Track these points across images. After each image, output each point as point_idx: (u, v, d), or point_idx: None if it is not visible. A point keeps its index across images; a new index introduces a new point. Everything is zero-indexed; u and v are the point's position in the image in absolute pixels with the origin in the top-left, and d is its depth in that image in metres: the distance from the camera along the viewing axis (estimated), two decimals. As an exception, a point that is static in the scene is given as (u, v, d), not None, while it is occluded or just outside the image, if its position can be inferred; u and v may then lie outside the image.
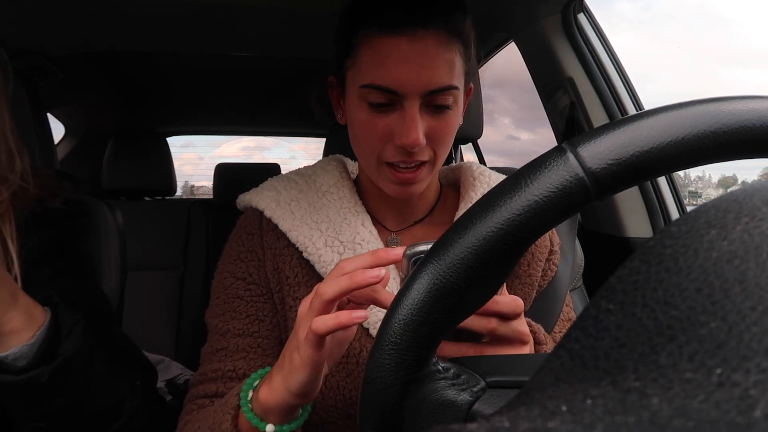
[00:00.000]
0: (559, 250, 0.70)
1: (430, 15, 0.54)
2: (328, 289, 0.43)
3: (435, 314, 0.28)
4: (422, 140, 0.55)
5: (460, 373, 0.32)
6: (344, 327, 0.42)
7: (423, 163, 0.59)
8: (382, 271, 0.42)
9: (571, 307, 0.72)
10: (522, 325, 0.48)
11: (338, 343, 0.49)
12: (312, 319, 0.43)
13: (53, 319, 0.54)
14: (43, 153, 1.00)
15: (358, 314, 0.41)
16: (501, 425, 0.13)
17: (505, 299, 0.46)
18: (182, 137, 2.75)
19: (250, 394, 0.51)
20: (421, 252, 0.42)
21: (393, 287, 0.60)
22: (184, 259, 1.74)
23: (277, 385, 0.47)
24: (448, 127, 0.58)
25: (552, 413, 0.14)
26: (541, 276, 0.68)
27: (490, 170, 0.72)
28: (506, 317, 0.46)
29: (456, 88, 0.56)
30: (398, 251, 0.43)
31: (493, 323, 0.46)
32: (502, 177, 0.69)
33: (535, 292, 0.67)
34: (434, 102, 0.56)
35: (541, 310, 0.68)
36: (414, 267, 0.41)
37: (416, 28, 0.53)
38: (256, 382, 0.51)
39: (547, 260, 0.68)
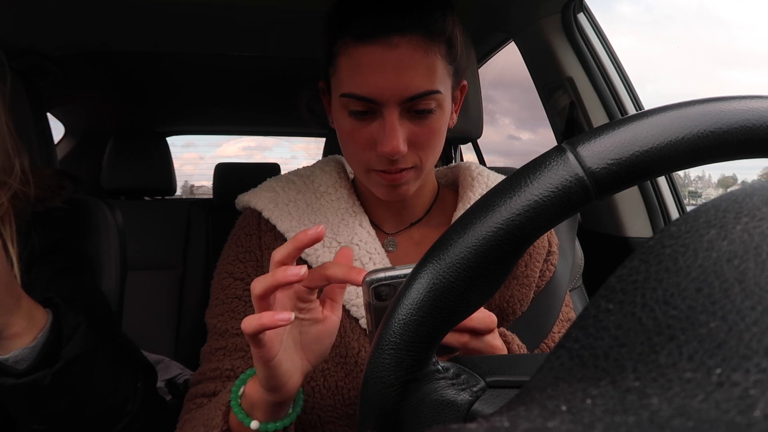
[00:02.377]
0: (558, 251, 0.70)
1: (405, 20, 0.53)
2: (256, 285, 0.42)
3: (435, 314, 0.28)
4: (402, 147, 0.55)
5: (459, 373, 0.32)
6: (268, 328, 0.41)
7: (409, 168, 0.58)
8: (301, 270, 0.41)
9: (570, 307, 0.72)
10: (495, 339, 0.49)
11: (315, 338, 0.48)
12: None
13: (55, 322, 0.54)
14: (43, 153, 1.00)
15: (281, 316, 0.40)
16: (501, 425, 0.13)
17: (479, 315, 0.48)
18: (184, 137, 2.76)
19: (242, 390, 0.51)
20: (379, 279, 0.42)
21: (361, 308, 0.61)
22: (184, 258, 1.74)
23: (257, 380, 0.48)
24: (432, 131, 0.57)
25: (552, 413, 0.14)
26: (539, 276, 0.68)
27: (489, 170, 0.71)
28: (479, 333, 0.48)
29: (437, 92, 0.55)
30: (315, 230, 0.42)
31: (465, 338, 0.48)
32: (500, 177, 0.69)
33: (532, 292, 0.67)
34: (415, 107, 0.55)
35: (539, 310, 0.68)
36: (374, 294, 0.42)
37: (390, 35, 0.53)
38: (249, 379, 0.51)
39: (545, 261, 0.68)
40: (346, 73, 0.55)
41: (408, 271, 0.39)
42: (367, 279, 0.43)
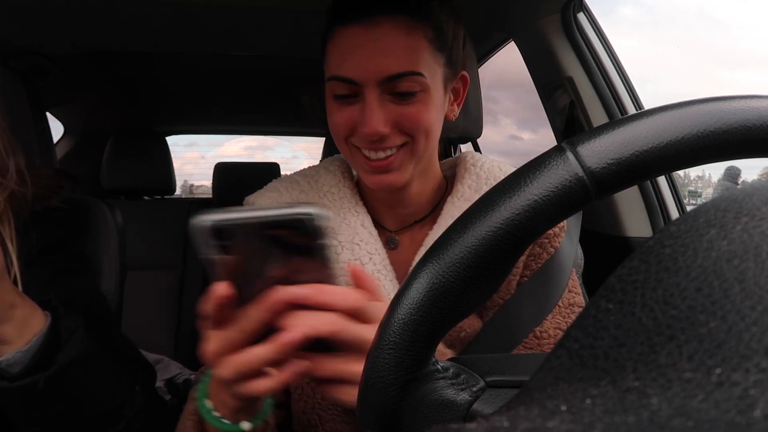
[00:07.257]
0: (564, 233, 0.66)
1: (388, 2, 0.53)
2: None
3: (434, 314, 0.28)
4: (382, 128, 0.55)
5: (459, 373, 0.32)
6: None
7: (397, 149, 0.57)
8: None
9: (575, 292, 0.66)
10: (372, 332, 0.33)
11: None
12: None
13: (52, 326, 0.53)
14: (43, 152, 1.00)
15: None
16: (500, 425, 0.13)
17: (333, 289, 0.38)
18: (186, 137, 2.76)
19: (209, 403, 0.47)
20: (221, 221, 0.33)
21: (389, 289, 0.61)
22: (184, 258, 1.74)
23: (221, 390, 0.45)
24: (420, 113, 0.56)
25: (551, 413, 0.14)
26: (533, 259, 0.64)
27: (486, 159, 0.69)
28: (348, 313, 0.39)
29: (419, 74, 0.55)
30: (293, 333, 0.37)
31: (336, 323, 0.38)
32: (494, 166, 0.67)
33: (517, 278, 0.64)
34: (396, 89, 0.55)
35: (536, 293, 0.64)
36: (215, 236, 0.34)
37: (372, 15, 0.53)
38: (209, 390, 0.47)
39: (540, 245, 0.64)
40: (332, 56, 0.56)
41: (253, 213, 0.29)
42: (200, 223, 0.33)
